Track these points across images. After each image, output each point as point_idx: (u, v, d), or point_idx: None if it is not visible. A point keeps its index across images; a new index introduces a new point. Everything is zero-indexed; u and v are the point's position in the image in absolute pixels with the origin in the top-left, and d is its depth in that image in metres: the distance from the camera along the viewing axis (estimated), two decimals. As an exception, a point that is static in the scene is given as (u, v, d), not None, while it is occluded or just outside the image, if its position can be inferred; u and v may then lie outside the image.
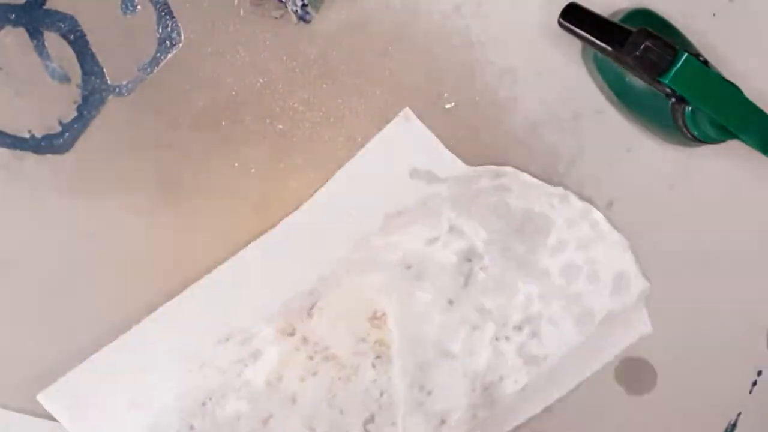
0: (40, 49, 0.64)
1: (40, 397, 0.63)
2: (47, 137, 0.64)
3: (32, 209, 0.65)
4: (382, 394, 0.63)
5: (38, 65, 0.64)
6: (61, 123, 0.65)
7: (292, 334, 0.64)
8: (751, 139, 0.61)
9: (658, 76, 0.59)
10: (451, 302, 0.64)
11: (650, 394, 0.71)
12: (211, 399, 0.63)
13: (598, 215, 0.67)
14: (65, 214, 0.65)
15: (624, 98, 0.67)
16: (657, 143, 0.69)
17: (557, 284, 0.65)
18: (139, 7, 0.64)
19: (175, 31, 0.65)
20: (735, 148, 0.64)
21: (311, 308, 0.64)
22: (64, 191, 0.65)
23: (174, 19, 0.64)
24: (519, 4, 0.67)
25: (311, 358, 0.63)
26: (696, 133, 0.63)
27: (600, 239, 0.66)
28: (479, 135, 0.68)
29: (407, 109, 0.66)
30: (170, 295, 0.66)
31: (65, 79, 0.64)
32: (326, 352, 0.63)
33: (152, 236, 0.66)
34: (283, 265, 0.65)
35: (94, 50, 0.64)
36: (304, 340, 0.63)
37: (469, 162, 0.67)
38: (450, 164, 0.66)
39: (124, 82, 0.65)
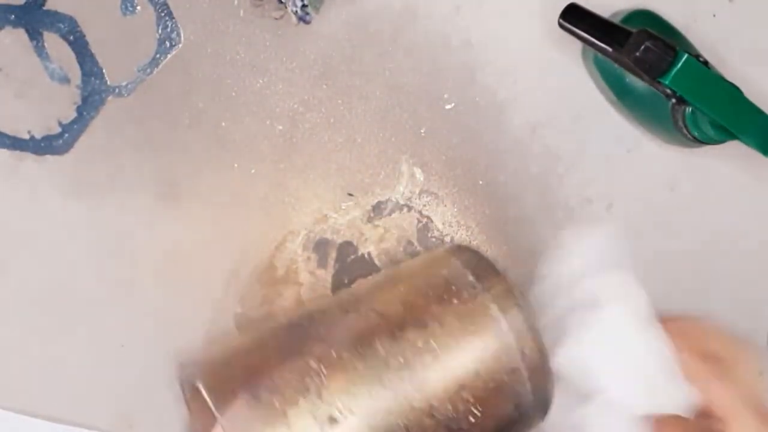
0: (40, 50, 0.64)
1: None
2: (47, 138, 0.64)
3: (31, 210, 0.65)
4: None
5: (38, 66, 0.64)
6: (60, 124, 0.64)
7: None
8: (751, 139, 0.61)
9: (658, 76, 0.59)
10: None
11: (650, 394, 0.71)
12: None
13: None
14: (65, 214, 0.65)
15: (624, 99, 0.67)
16: (657, 144, 0.69)
17: None
18: (138, 7, 0.64)
19: (175, 32, 0.65)
20: (735, 148, 0.64)
21: None
22: (63, 192, 0.65)
23: (174, 20, 0.64)
24: (519, 5, 0.67)
25: None
26: (696, 134, 0.63)
27: None
28: (479, 136, 0.68)
29: None
30: (170, 296, 0.66)
31: (65, 79, 0.64)
32: None
33: (152, 237, 0.66)
34: None
35: (93, 51, 0.64)
36: None
37: (469, 163, 0.67)
38: None
39: (124, 83, 0.65)
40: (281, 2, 0.65)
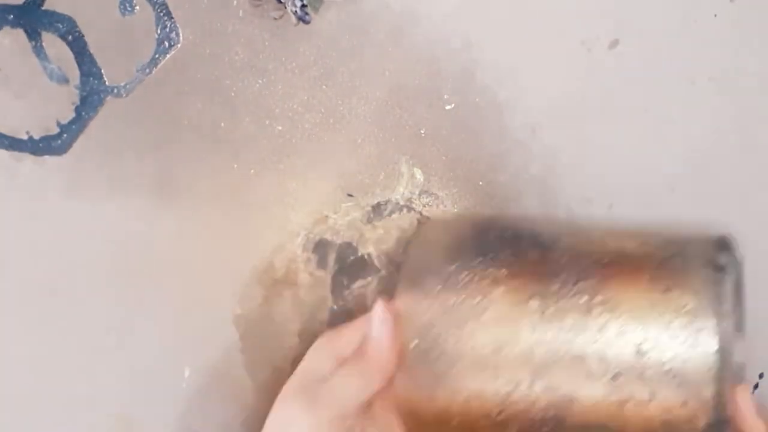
0: (39, 50, 0.63)
1: None
2: (45, 138, 0.64)
3: (30, 211, 0.65)
4: None
5: (36, 66, 0.64)
6: (59, 124, 0.64)
7: None
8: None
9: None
10: None
11: (650, 394, 0.71)
12: None
13: None
14: (63, 215, 0.65)
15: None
16: (657, 143, 0.69)
17: None
18: (137, 7, 0.64)
19: (174, 32, 0.64)
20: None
21: None
22: (62, 193, 0.65)
23: (172, 20, 0.64)
24: (519, 5, 0.67)
25: None
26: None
27: None
28: (479, 136, 0.68)
29: None
30: (169, 296, 0.66)
31: (63, 80, 0.64)
32: None
33: (151, 238, 0.66)
34: None
35: (92, 51, 0.64)
36: None
37: (469, 164, 0.67)
38: None
39: (123, 83, 0.65)
40: (280, 2, 0.64)
